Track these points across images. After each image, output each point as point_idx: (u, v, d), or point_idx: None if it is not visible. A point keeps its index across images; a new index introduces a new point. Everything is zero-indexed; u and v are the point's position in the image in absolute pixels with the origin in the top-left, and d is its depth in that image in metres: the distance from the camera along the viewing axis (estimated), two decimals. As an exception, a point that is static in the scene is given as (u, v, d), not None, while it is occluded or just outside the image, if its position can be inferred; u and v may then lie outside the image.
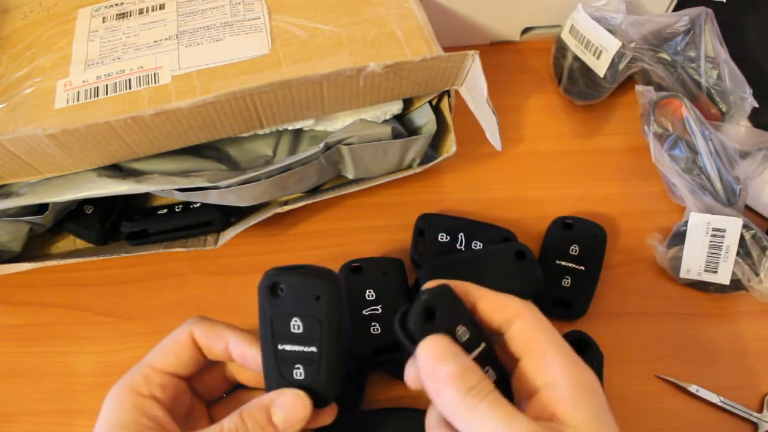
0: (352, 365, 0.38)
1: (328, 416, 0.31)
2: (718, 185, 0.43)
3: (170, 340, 0.31)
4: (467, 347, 0.27)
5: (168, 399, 0.30)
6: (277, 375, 0.29)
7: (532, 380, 0.27)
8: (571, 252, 0.43)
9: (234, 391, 0.35)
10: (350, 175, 0.44)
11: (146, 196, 0.47)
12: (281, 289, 0.29)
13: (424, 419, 0.37)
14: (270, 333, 0.29)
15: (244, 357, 0.31)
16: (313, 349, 0.29)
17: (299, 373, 0.29)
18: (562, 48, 0.52)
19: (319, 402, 0.29)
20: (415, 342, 0.27)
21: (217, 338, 0.31)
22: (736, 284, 0.42)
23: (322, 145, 0.40)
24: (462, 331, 0.28)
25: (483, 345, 0.28)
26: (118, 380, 0.30)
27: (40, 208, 0.41)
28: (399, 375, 0.39)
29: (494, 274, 0.39)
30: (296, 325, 0.29)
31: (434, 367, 0.26)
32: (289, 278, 0.29)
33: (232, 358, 0.32)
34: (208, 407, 0.34)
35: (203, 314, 0.34)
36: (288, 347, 0.29)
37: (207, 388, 0.34)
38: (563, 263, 0.42)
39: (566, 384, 0.26)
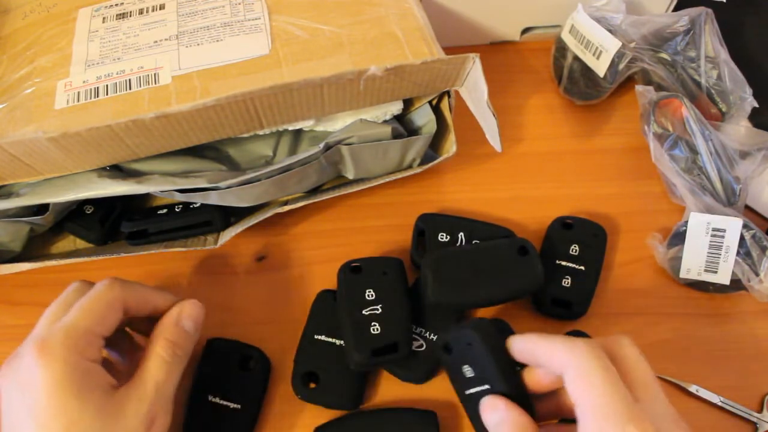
0: (352, 365, 0.38)
1: None
2: (718, 185, 0.43)
3: (104, 305, 0.32)
4: (467, 383, 0.32)
5: (100, 357, 0.32)
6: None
7: None
8: (571, 252, 0.43)
9: None
10: (350, 175, 0.44)
11: (146, 196, 0.47)
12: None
13: (424, 419, 0.37)
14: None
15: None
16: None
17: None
18: (562, 48, 0.52)
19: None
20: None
21: (146, 303, 0.34)
22: (736, 284, 0.42)
23: (322, 145, 0.40)
24: (467, 369, 0.32)
25: (486, 386, 0.31)
26: (55, 343, 0.30)
27: (41, 209, 0.41)
28: (399, 375, 0.40)
29: (496, 268, 0.39)
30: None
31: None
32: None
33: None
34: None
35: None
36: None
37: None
38: (563, 263, 0.42)
39: None
